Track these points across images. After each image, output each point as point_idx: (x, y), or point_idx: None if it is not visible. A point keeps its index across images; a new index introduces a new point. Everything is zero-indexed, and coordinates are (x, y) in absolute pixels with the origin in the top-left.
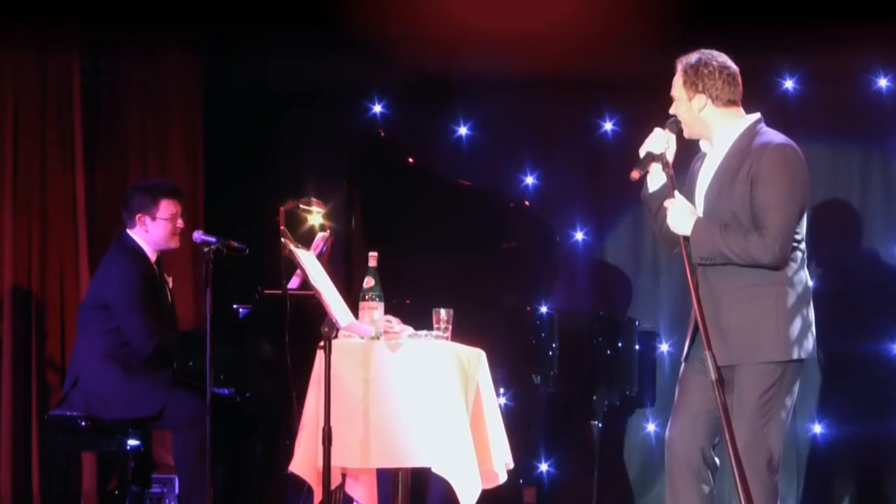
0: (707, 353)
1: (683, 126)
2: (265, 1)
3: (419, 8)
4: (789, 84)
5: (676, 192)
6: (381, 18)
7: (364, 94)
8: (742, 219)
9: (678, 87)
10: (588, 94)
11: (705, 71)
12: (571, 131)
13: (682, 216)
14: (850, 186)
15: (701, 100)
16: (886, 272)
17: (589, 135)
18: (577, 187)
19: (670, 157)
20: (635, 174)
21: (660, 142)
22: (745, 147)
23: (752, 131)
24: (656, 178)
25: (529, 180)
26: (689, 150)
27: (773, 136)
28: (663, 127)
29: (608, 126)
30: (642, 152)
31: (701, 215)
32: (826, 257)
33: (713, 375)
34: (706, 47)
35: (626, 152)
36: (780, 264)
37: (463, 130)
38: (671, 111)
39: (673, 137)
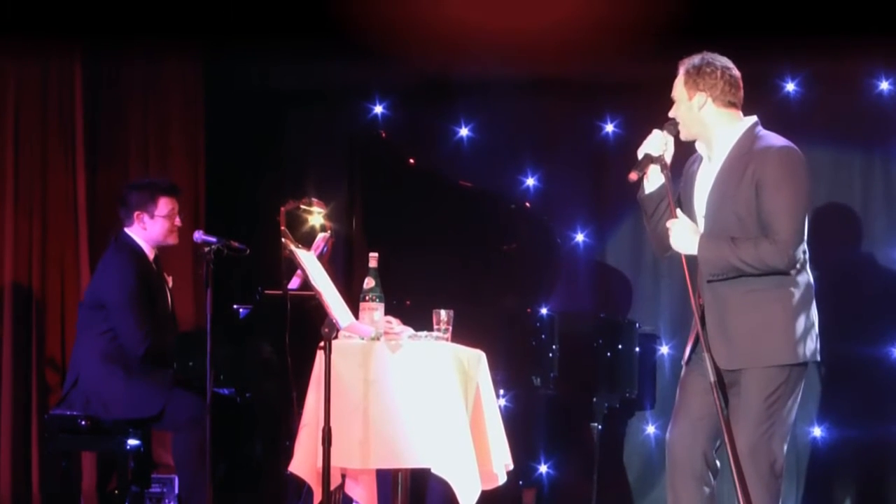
0: (706, 355)
1: (681, 127)
2: (267, 2)
3: (420, 9)
4: (791, 87)
5: (679, 212)
6: (382, 20)
7: (365, 95)
8: (747, 222)
9: (679, 87)
10: (589, 96)
11: (707, 70)
12: (573, 133)
13: (684, 236)
14: (851, 189)
15: (701, 98)
16: (887, 275)
17: (590, 137)
18: (578, 189)
19: (668, 160)
20: (633, 176)
21: (658, 143)
22: (747, 150)
23: (751, 134)
24: (654, 180)
25: (530, 182)
26: (686, 153)
27: (774, 139)
28: (661, 129)
29: (609, 128)
30: (640, 154)
31: (702, 229)
32: (827, 260)
33: (712, 378)
34: (708, 50)
35: (627, 154)
36: (793, 267)
37: (464, 132)
38: (671, 113)
39: (671, 139)
